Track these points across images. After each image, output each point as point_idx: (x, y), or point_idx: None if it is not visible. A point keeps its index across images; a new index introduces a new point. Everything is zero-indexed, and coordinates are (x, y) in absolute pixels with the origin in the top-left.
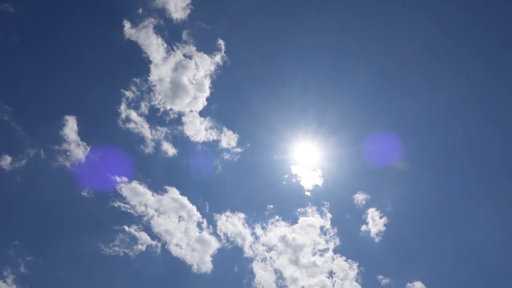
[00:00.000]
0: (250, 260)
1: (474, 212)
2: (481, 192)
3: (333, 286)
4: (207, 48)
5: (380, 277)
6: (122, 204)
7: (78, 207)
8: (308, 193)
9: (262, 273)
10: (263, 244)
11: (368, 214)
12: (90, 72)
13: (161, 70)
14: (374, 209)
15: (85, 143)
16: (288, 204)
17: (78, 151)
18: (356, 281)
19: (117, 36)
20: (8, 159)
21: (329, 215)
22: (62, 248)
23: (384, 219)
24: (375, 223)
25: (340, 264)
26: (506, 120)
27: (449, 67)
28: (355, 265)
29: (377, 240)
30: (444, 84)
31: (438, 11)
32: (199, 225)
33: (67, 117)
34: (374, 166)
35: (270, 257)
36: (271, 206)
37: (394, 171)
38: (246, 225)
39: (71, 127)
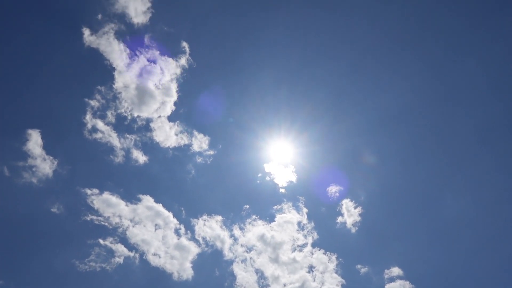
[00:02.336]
0: (230, 262)
1: (442, 193)
2: (447, 174)
3: (314, 280)
4: (171, 51)
5: (359, 266)
6: (95, 217)
7: (48, 224)
8: (282, 190)
9: (243, 275)
10: (242, 245)
11: (342, 205)
12: (51, 82)
13: (125, 77)
14: (348, 200)
15: (51, 157)
16: (264, 202)
17: (45, 165)
18: (336, 272)
19: (76, 44)
20: None
21: (305, 210)
22: (35, 268)
23: (358, 209)
24: (350, 213)
25: (319, 257)
26: (466, 102)
27: (415, 59)
28: (333, 257)
29: (353, 230)
30: (406, 76)
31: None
32: (176, 231)
33: (30, 131)
34: (345, 159)
35: (250, 258)
36: (247, 206)
37: (364, 162)
38: (224, 227)
39: (35, 141)
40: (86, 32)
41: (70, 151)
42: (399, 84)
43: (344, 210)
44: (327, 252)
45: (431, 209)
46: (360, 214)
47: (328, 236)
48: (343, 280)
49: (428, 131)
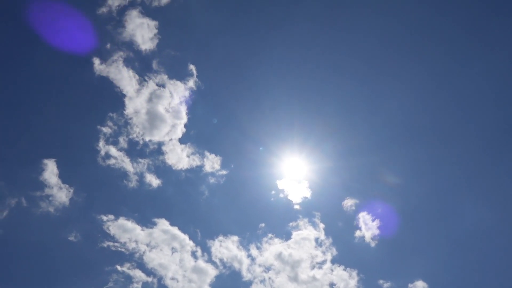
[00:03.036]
0: (249, 283)
1: (462, 202)
2: (467, 182)
3: None
4: (179, 74)
5: (381, 281)
6: (111, 243)
7: (66, 253)
8: (297, 206)
9: None
10: (259, 265)
11: (359, 219)
12: (64, 112)
13: (135, 103)
14: (365, 213)
15: (67, 185)
16: (279, 220)
17: (61, 194)
18: None
19: (87, 74)
20: None
21: (321, 226)
22: None
23: (376, 222)
24: (368, 227)
25: (340, 274)
26: (485, 108)
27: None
28: (354, 273)
29: (373, 244)
30: (423, 88)
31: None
32: (193, 254)
33: (45, 160)
34: (359, 171)
35: (269, 277)
36: (263, 225)
37: (379, 174)
38: (240, 247)
39: (51, 171)
40: (96, 61)
41: (85, 179)
42: (414, 98)
43: (361, 224)
44: (347, 268)
45: (452, 219)
46: (378, 227)
47: (347, 251)
48: None
49: (445, 140)
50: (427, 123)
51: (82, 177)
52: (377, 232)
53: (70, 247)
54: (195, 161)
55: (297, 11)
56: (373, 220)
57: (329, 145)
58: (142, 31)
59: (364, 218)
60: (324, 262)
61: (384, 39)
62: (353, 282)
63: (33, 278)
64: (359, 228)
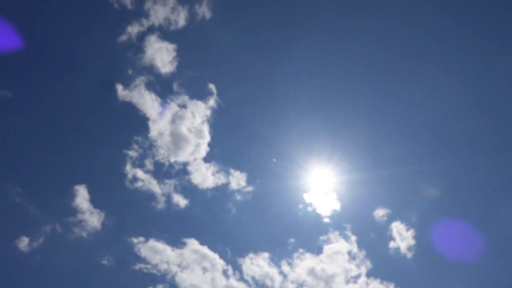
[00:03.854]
0: None
1: (505, 209)
2: (507, 183)
3: None
4: (200, 94)
5: None
6: (143, 266)
7: (101, 277)
8: (327, 219)
9: None
10: (292, 282)
11: (392, 229)
12: (91, 139)
13: (159, 125)
14: (398, 222)
15: (98, 210)
16: (309, 234)
17: (93, 219)
18: None
19: (112, 100)
20: (25, 240)
21: (353, 238)
22: None
23: (411, 232)
24: (402, 237)
25: (376, 287)
26: None
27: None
28: (391, 286)
29: (409, 255)
30: (455, 97)
31: None
32: (224, 272)
33: (77, 187)
34: (389, 179)
35: None
36: (293, 240)
37: (411, 180)
38: (271, 264)
39: (82, 196)
40: (119, 87)
41: (115, 202)
42: (446, 107)
43: (395, 234)
44: (384, 282)
45: (493, 228)
46: (414, 237)
47: (382, 264)
48: None
49: (481, 140)
50: (461, 132)
51: (112, 201)
52: (412, 242)
53: (104, 271)
54: (221, 179)
55: (312, 24)
56: (407, 230)
57: (355, 155)
58: (162, 55)
59: (397, 228)
60: (359, 276)
61: (410, 47)
62: None
63: None
64: (393, 239)
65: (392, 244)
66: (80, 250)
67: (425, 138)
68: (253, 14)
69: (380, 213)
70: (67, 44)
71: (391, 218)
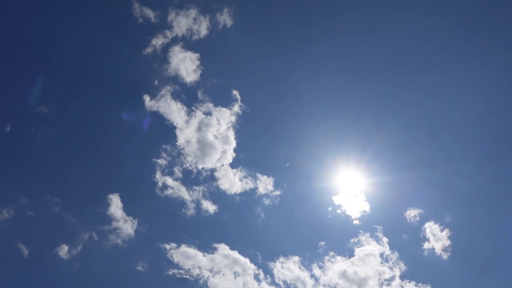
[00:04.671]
0: None
1: None
2: None
3: None
4: (224, 101)
5: None
6: (176, 271)
7: (137, 282)
8: (357, 221)
9: None
10: (324, 285)
11: (426, 229)
12: (122, 149)
13: (186, 133)
14: (432, 222)
15: (131, 218)
16: (339, 237)
17: (127, 226)
18: None
19: (140, 111)
20: (65, 248)
21: (385, 240)
22: None
23: (446, 232)
24: (436, 238)
25: None
26: None
27: None
28: None
29: (445, 256)
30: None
31: None
32: (256, 277)
33: (110, 196)
34: (421, 179)
35: None
36: (323, 243)
37: (442, 177)
38: (302, 267)
39: (116, 205)
40: (147, 98)
41: (146, 210)
42: (477, 106)
43: (429, 235)
44: (419, 284)
45: None
46: (449, 237)
47: (416, 265)
48: None
49: None
50: (497, 130)
51: (144, 209)
52: (448, 243)
53: (139, 277)
54: (248, 184)
55: (335, 24)
56: (441, 230)
57: (385, 157)
58: (186, 64)
59: (431, 228)
60: (393, 278)
61: (440, 43)
62: None
63: None
64: (427, 240)
65: (426, 245)
66: (116, 256)
67: (460, 137)
68: (272, 19)
69: (412, 213)
70: (96, 60)
71: (424, 219)
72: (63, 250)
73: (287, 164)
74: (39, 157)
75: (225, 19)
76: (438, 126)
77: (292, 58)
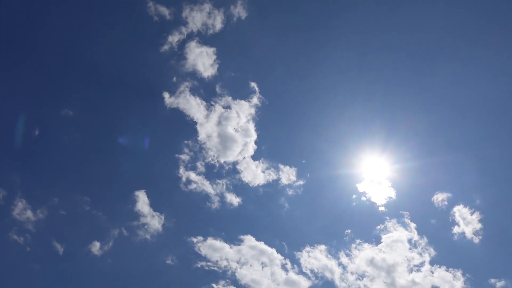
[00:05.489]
0: None
1: None
2: None
3: None
4: (242, 94)
5: (493, 280)
6: (204, 263)
7: (166, 276)
8: (382, 208)
9: None
10: (352, 273)
11: (455, 213)
12: (146, 147)
13: (206, 128)
14: (461, 206)
15: (158, 213)
16: (365, 224)
17: (154, 222)
18: None
19: (160, 108)
20: (97, 244)
21: (413, 225)
22: None
23: (476, 215)
24: (466, 221)
25: (442, 275)
26: None
27: None
28: (459, 273)
29: (476, 240)
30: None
31: None
32: (283, 267)
33: (137, 192)
34: (448, 163)
35: (364, 285)
36: (349, 231)
37: (472, 159)
38: (329, 256)
39: (143, 201)
40: (166, 95)
41: (172, 205)
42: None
43: (458, 219)
44: (450, 269)
45: None
46: (480, 220)
47: (447, 250)
48: None
49: None
50: None
51: (170, 204)
52: (479, 226)
53: (169, 270)
54: (271, 176)
55: (348, 10)
56: (472, 214)
57: (408, 142)
58: (202, 59)
59: (460, 212)
60: (422, 264)
61: (465, 27)
62: (459, 283)
63: None
64: (457, 224)
65: (456, 229)
66: (145, 251)
67: (489, 119)
68: (287, 9)
69: (439, 198)
70: (115, 61)
71: (452, 203)
72: (96, 247)
73: (303, 161)
74: (67, 158)
75: (239, 11)
76: (465, 109)
77: (310, 45)
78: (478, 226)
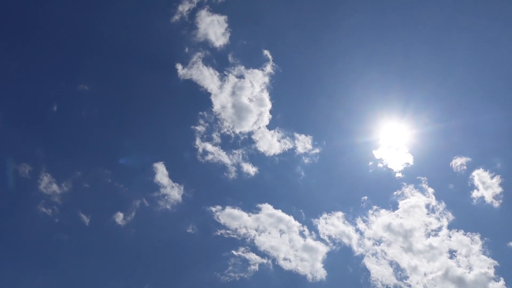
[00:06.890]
0: (361, 257)
1: None
2: None
3: (459, 265)
4: (256, 63)
5: None
6: (223, 231)
7: (188, 244)
8: (399, 174)
9: (377, 269)
10: (369, 238)
11: (474, 178)
12: (162, 119)
13: (221, 98)
14: (481, 170)
15: (177, 184)
16: (382, 190)
17: (174, 192)
18: (484, 253)
19: (173, 80)
20: (120, 215)
21: (430, 190)
22: (185, 283)
23: (496, 179)
24: (486, 185)
25: (460, 239)
26: None
27: None
28: (477, 237)
29: (496, 204)
30: None
31: None
32: (301, 233)
33: (155, 164)
34: (466, 125)
35: (381, 250)
36: (366, 197)
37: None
38: (346, 222)
39: (162, 173)
40: (179, 67)
41: (190, 176)
42: None
43: (477, 183)
44: (468, 233)
45: None
46: (500, 184)
47: (465, 215)
48: (495, 262)
49: None
50: None
51: (188, 175)
52: (499, 190)
53: (190, 238)
54: (287, 145)
55: None
56: (492, 177)
57: (426, 107)
58: (214, 28)
59: (480, 176)
60: (440, 228)
61: None
62: (477, 247)
63: (165, 268)
64: (476, 188)
65: (475, 194)
66: (167, 220)
67: (508, 82)
68: None
69: (458, 162)
70: (127, 34)
71: (471, 167)
72: (119, 217)
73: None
74: (86, 132)
75: None
76: (484, 71)
77: (323, 9)
78: (499, 190)
